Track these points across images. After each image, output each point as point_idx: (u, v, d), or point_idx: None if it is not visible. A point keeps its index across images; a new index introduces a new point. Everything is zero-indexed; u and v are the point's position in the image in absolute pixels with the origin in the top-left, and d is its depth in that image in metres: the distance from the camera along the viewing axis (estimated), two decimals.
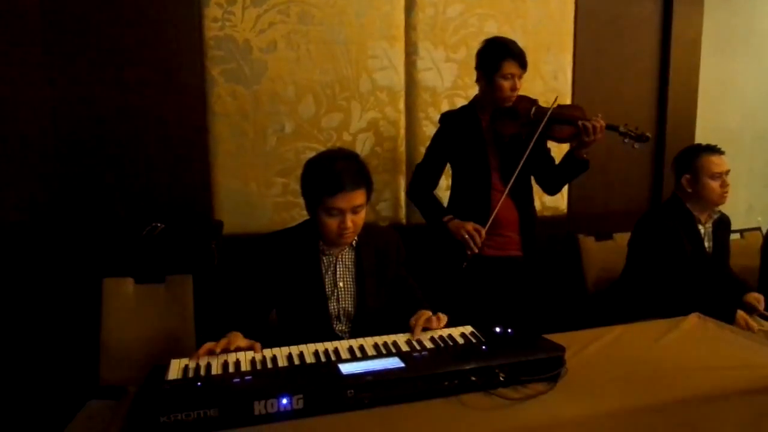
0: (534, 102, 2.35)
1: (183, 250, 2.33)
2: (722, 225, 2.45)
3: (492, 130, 2.35)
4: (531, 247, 2.43)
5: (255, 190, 2.71)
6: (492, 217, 2.26)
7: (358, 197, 1.68)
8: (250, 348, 1.55)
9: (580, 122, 2.20)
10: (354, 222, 1.70)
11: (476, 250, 2.22)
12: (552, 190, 2.54)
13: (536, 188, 2.54)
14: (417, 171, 2.50)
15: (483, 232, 2.23)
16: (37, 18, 2.39)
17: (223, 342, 1.54)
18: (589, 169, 2.36)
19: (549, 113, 2.26)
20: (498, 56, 2.26)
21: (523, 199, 2.41)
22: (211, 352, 1.51)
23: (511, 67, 2.24)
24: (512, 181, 2.27)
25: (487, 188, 2.35)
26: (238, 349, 1.53)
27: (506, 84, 2.26)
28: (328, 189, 1.66)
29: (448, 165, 2.50)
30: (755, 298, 2.32)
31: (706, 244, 2.38)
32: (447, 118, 2.44)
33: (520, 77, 2.28)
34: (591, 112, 2.28)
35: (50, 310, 2.47)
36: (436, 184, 2.49)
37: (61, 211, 2.49)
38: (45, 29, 2.40)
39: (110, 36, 2.47)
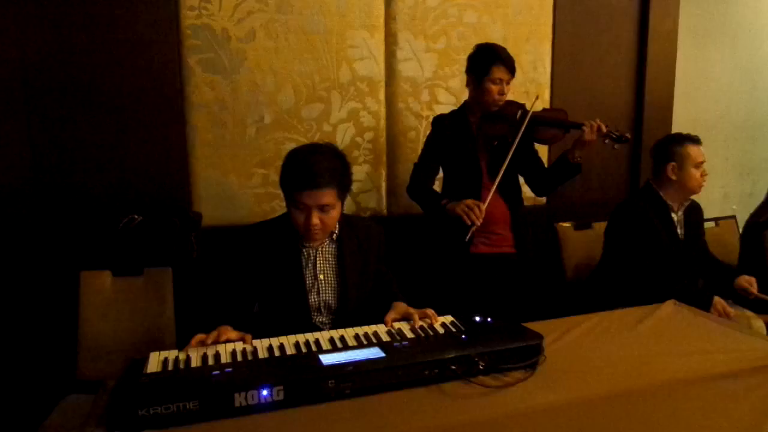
0: (521, 106, 2.41)
1: (161, 242, 2.31)
2: (693, 212, 2.50)
3: (481, 132, 2.39)
4: (524, 245, 2.47)
5: (234, 181, 2.69)
6: (484, 205, 2.25)
7: (327, 196, 1.64)
8: (241, 339, 1.53)
9: (587, 123, 2.27)
10: (322, 220, 1.67)
11: (477, 222, 2.18)
12: (542, 191, 2.59)
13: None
14: (414, 171, 2.51)
15: (483, 206, 2.20)
16: (11, 9, 2.33)
17: (213, 333, 1.52)
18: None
19: (530, 114, 2.33)
20: (488, 61, 2.31)
21: (512, 197, 2.45)
22: (202, 343, 1.50)
23: (499, 72, 2.30)
24: (500, 176, 2.29)
25: (477, 188, 2.37)
26: (228, 341, 1.52)
27: (494, 88, 2.32)
28: (296, 183, 1.64)
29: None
30: (747, 280, 2.36)
31: (679, 231, 2.43)
32: (438, 121, 2.47)
33: (508, 82, 2.34)
34: (576, 105, 2.34)
35: (27, 304, 2.43)
36: (434, 179, 2.50)
37: (38, 203, 2.44)
38: (19, 21, 2.34)
39: (85, 25, 2.42)
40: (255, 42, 2.63)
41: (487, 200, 2.26)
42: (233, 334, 1.55)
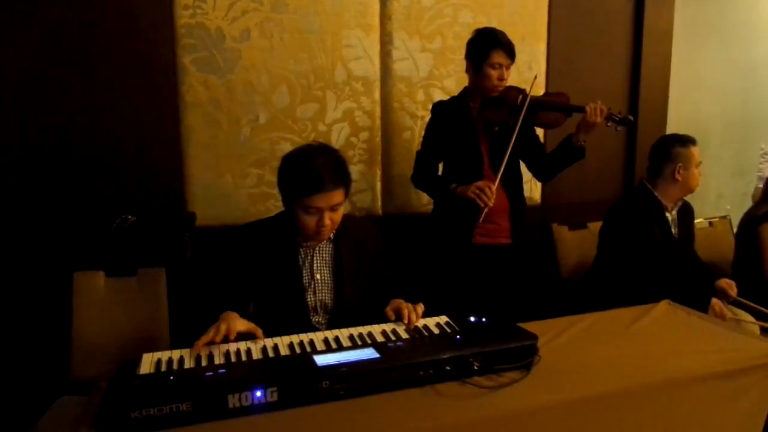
0: (522, 91, 2.38)
1: (155, 242, 2.30)
2: (686, 212, 2.51)
3: (482, 118, 2.37)
4: (521, 235, 2.45)
5: (229, 181, 2.68)
6: (494, 185, 2.24)
7: (337, 196, 1.65)
8: (250, 331, 1.53)
9: (590, 106, 2.25)
10: (332, 219, 1.68)
11: (489, 203, 2.20)
12: (544, 177, 2.58)
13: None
14: (417, 159, 2.50)
15: (493, 186, 2.21)
16: (4, 6, 2.32)
17: (222, 328, 1.49)
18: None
19: (529, 98, 2.30)
20: (487, 46, 2.29)
21: (513, 187, 2.44)
22: (212, 342, 1.47)
23: (499, 57, 2.28)
24: (503, 165, 2.28)
25: (478, 176, 2.35)
26: (238, 336, 1.50)
27: (494, 73, 2.29)
28: (306, 188, 1.63)
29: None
30: (727, 283, 2.38)
31: (673, 231, 2.44)
32: (438, 107, 2.46)
33: (507, 67, 2.31)
34: (585, 98, 2.33)
35: (20, 305, 2.42)
36: (437, 166, 2.50)
37: (31, 204, 2.43)
38: (11, 18, 2.33)
39: (79, 24, 2.41)
40: (250, 41, 2.62)
41: (496, 183, 2.24)
42: (241, 324, 1.53)
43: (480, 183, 2.23)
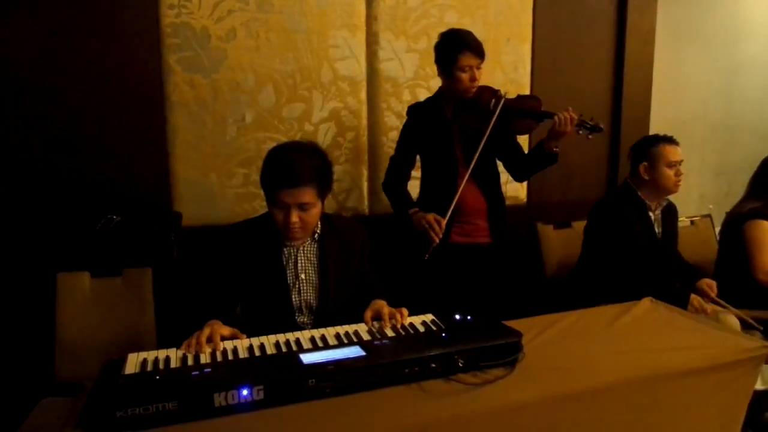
0: (495, 93, 2.37)
1: (141, 242, 2.28)
2: (670, 211, 2.54)
3: (456, 122, 2.38)
4: (500, 234, 2.46)
5: (215, 181, 2.67)
6: (453, 203, 2.27)
7: (306, 194, 1.64)
8: (233, 336, 1.53)
9: (559, 115, 2.24)
10: (302, 218, 1.66)
11: (437, 240, 2.23)
12: (520, 177, 2.60)
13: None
14: (390, 163, 2.51)
15: (443, 222, 2.24)
16: None
17: (206, 331, 1.49)
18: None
19: (501, 105, 2.30)
20: (454, 49, 2.28)
21: (489, 186, 2.45)
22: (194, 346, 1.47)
23: (468, 60, 2.27)
24: (471, 167, 2.29)
25: (453, 177, 2.37)
26: (222, 339, 1.50)
27: (465, 76, 2.29)
28: (275, 181, 1.64)
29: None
30: (707, 284, 2.40)
31: (656, 230, 2.47)
32: (413, 110, 2.46)
33: (478, 67, 2.30)
34: (555, 105, 2.33)
35: (3, 306, 2.39)
36: (409, 174, 2.50)
37: (14, 203, 2.40)
38: None
39: (62, 22, 2.39)
40: (236, 41, 2.62)
41: (448, 214, 2.26)
42: (225, 329, 1.53)
43: (430, 217, 2.24)
